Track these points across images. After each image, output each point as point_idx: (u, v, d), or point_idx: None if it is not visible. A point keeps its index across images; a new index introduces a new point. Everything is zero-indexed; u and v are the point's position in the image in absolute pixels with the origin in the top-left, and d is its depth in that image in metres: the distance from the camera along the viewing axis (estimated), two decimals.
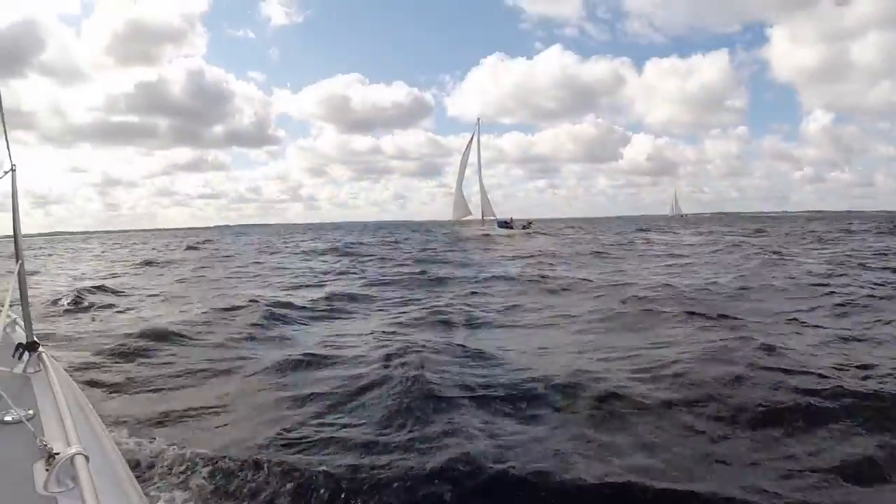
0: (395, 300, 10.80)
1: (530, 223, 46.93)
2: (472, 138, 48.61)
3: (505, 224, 45.34)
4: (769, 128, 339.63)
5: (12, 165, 2.13)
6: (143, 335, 7.24)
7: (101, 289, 13.04)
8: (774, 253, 18.31)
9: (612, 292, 10.46)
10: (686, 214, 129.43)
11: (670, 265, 16.54)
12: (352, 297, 11.04)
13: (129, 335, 7.30)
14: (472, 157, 48.42)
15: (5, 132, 2.11)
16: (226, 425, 4.33)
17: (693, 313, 7.83)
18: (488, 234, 42.25)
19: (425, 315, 8.63)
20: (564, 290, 11.48)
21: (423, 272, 15.53)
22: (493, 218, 46.78)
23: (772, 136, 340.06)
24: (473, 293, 11.34)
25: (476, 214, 47.78)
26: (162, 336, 7.24)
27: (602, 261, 19.19)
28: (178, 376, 5.66)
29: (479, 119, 49.36)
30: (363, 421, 4.21)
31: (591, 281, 12.51)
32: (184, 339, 7.19)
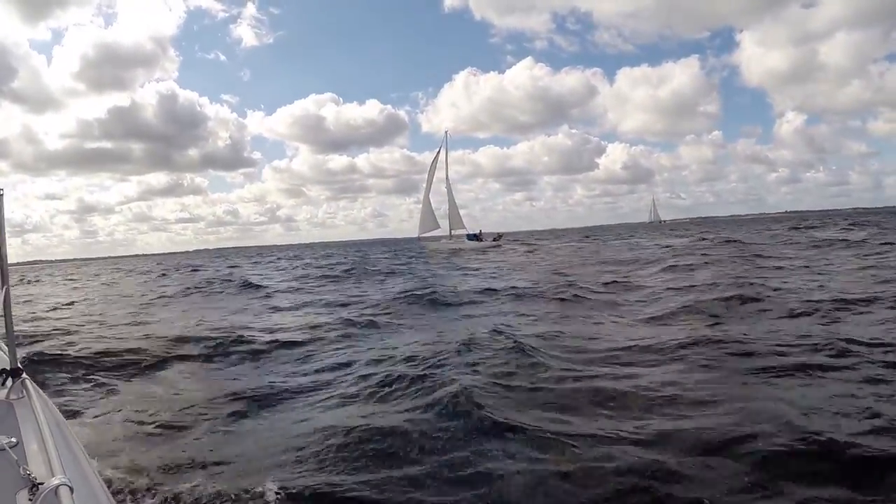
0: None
1: (500, 235, 45.70)
2: (438, 151, 47.35)
3: (475, 237, 44.03)
4: (743, 131, 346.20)
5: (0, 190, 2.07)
6: None
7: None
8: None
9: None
10: (664, 221, 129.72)
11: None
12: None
13: None
14: (444, 172, 47.03)
15: None
16: None
17: None
18: (457, 249, 40.79)
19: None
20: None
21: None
22: (462, 231, 45.37)
23: (745, 139, 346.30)
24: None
25: (444, 228, 46.33)
26: None
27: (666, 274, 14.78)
28: None
29: (446, 132, 48.15)
30: None
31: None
32: None
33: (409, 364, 5.97)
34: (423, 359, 6.10)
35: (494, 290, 12.72)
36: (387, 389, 5.12)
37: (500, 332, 7.14)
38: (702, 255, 19.47)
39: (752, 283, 10.35)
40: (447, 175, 46.64)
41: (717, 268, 14.35)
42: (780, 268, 13.53)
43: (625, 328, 7.78)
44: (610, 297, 10.78)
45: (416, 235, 48.26)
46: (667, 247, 26.77)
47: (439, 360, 5.93)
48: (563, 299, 10.66)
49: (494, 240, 43.48)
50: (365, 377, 5.64)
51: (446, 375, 5.25)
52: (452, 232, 45.84)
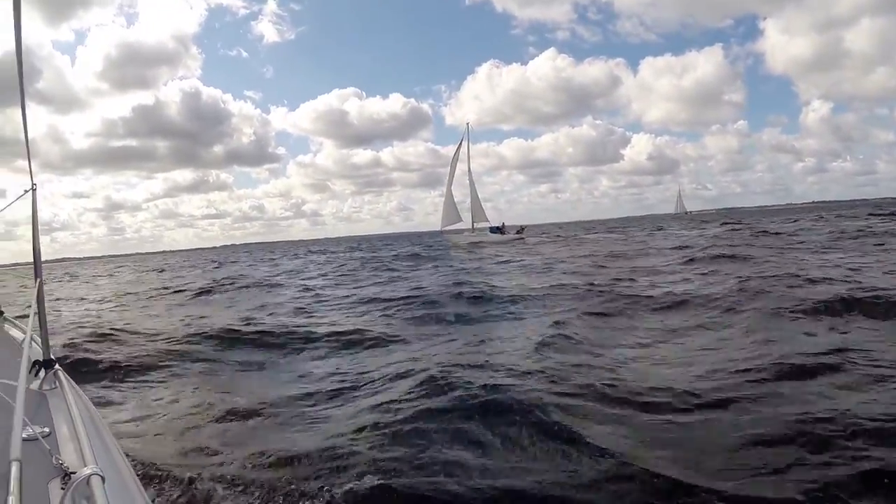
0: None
1: (523, 228, 44.87)
2: (460, 143, 46.64)
3: (497, 230, 43.31)
4: (768, 120, 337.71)
5: (33, 185, 2.14)
6: None
7: None
8: None
9: None
10: (691, 212, 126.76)
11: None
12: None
13: None
14: (466, 165, 46.33)
15: (28, 154, 2.17)
16: None
17: None
18: (480, 242, 40.12)
19: None
20: None
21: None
22: (484, 224, 44.66)
23: (771, 128, 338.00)
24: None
25: (466, 221, 45.65)
26: None
27: None
28: None
29: (468, 124, 47.20)
30: None
31: None
32: None
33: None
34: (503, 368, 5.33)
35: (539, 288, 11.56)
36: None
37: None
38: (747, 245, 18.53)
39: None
40: (469, 167, 45.95)
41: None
42: None
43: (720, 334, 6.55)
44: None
45: (439, 229, 47.58)
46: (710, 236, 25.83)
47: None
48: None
49: (517, 233, 42.69)
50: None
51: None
52: (475, 225, 45.17)
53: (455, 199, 46.19)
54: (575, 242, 34.56)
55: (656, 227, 50.83)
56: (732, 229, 32.56)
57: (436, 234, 46.83)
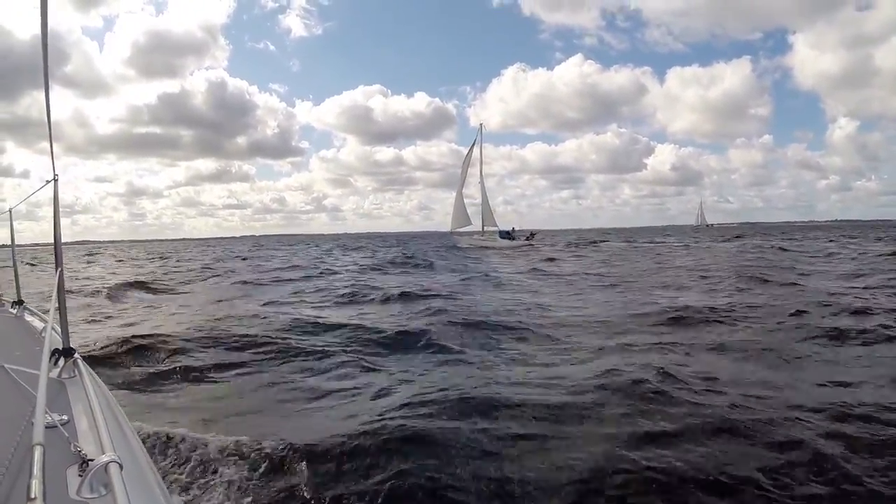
0: None
1: (533, 234, 44.22)
2: (472, 145, 46.26)
3: (507, 235, 42.82)
4: (793, 136, 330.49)
5: (55, 175, 2.14)
6: None
7: None
8: None
9: None
10: (712, 224, 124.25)
11: None
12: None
13: None
14: (478, 168, 45.93)
15: (51, 145, 2.16)
16: None
17: None
18: (489, 247, 39.68)
19: None
20: None
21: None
22: (494, 228, 44.21)
23: (796, 144, 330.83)
24: None
25: (476, 224, 45.28)
26: None
27: None
28: None
29: (481, 125, 46.76)
30: None
31: None
32: None
33: None
34: None
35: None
36: None
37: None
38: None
39: None
40: (481, 170, 45.57)
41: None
42: None
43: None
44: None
45: (448, 230, 47.22)
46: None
47: None
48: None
49: (527, 238, 42.11)
50: None
51: None
52: (485, 228, 44.76)
53: (464, 202, 45.86)
54: (589, 251, 33.83)
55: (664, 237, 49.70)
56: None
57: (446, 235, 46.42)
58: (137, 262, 36.63)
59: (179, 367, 6.13)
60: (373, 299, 12.02)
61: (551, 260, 25.27)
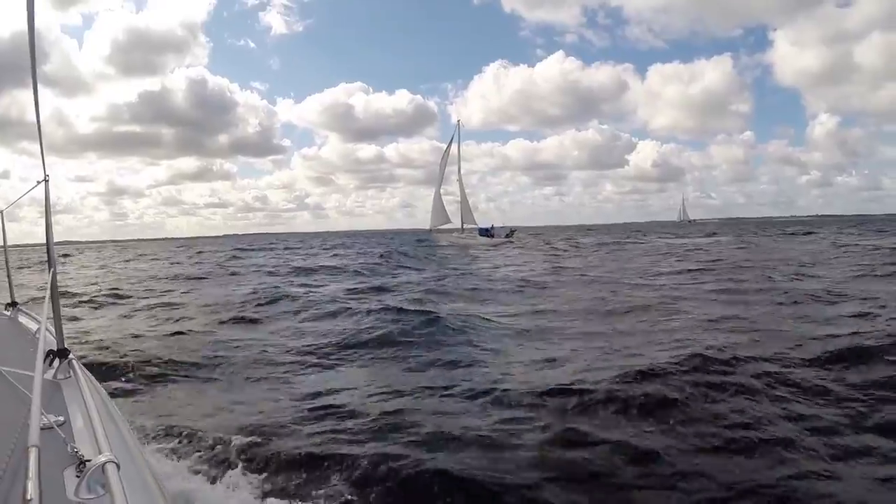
0: None
1: (513, 231, 44.02)
2: (450, 142, 45.83)
3: (486, 232, 42.52)
4: (774, 132, 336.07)
5: (45, 176, 2.14)
6: None
7: None
8: None
9: None
10: (693, 220, 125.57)
11: None
12: None
13: None
14: (455, 165, 45.46)
15: (41, 145, 2.16)
16: None
17: None
18: (468, 244, 39.28)
19: None
20: None
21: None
22: (472, 226, 43.86)
23: (777, 140, 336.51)
24: None
25: (456, 222, 44.89)
26: None
27: None
28: None
29: (458, 121, 46.49)
30: None
31: None
32: None
33: None
34: None
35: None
36: None
37: None
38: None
39: None
40: (459, 168, 45.18)
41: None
42: None
43: None
44: None
45: (440, 227, 46.42)
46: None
47: None
48: None
49: (507, 236, 41.88)
50: None
51: None
52: (464, 226, 44.40)
53: (443, 200, 45.42)
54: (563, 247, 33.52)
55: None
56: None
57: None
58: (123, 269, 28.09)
59: None
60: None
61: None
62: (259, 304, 11.46)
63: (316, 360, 6.61)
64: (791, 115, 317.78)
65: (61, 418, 1.65)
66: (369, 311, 9.41)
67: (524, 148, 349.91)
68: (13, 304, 3.66)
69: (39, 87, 2.03)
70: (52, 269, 2.16)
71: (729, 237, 39.11)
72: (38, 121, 2.11)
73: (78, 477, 1.28)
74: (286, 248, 43.09)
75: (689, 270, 15.80)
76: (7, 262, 3.73)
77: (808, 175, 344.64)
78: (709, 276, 13.91)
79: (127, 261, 35.95)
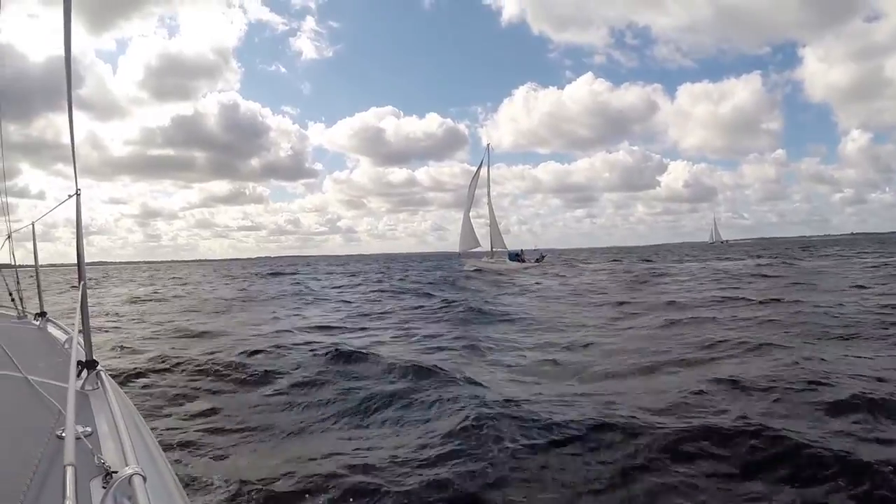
0: None
1: (543, 256, 43.98)
2: (479, 166, 46.31)
3: (516, 256, 42.57)
4: (806, 150, 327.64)
5: (77, 190, 2.15)
6: None
7: None
8: None
9: None
10: (726, 241, 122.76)
11: None
12: None
13: None
14: (486, 189, 45.87)
15: (74, 159, 2.16)
16: None
17: None
18: (499, 269, 39.39)
19: None
20: None
21: None
22: (502, 250, 43.98)
23: (809, 158, 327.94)
24: None
25: (485, 246, 45.04)
26: None
27: None
28: None
29: (488, 145, 47.27)
30: None
31: None
32: None
33: None
34: None
35: None
36: None
37: None
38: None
39: None
40: (489, 191, 45.54)
41: None
42: None
43: None
44: None
45: (474, 251, 46.36)
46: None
47: None
48: None
49: (537, 260, 41.85)
50: None
51: None
52: (494, 250, 44.53)
53: (472, 224, 45.69)
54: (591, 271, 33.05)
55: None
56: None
57: (470, 255, 45.19)
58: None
59: None
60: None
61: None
62: None
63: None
64: (822, 132, 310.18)
65: (88, 429, 1.66)
66: None
67: (555, 170, 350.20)
68: (42, 314, 3.76)
69: (75, 110, 2.13)
70: (82, 282, 2.19)
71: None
72: (72, 134, 2.14)
73: (104, 488, 1.29)
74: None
75: None
76: (38, 272, 3.81)
77: (842, 192, 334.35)
78: None
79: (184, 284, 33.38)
